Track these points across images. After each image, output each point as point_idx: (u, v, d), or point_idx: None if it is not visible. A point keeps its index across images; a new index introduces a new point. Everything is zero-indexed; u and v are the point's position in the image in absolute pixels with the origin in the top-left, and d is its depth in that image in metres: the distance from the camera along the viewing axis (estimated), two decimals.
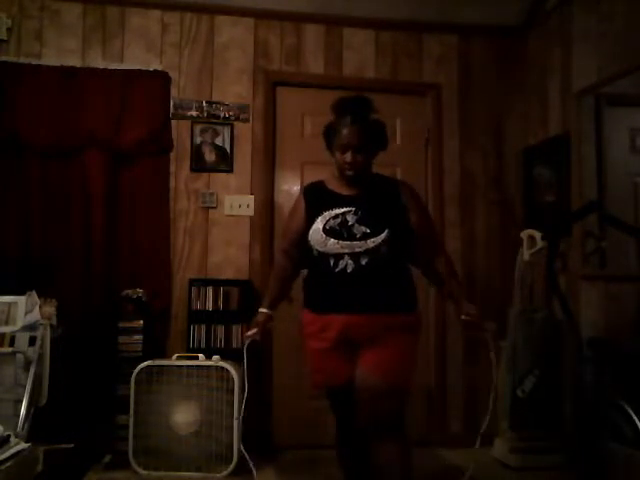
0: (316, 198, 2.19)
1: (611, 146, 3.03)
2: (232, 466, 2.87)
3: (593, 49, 3.06)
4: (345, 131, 2.09)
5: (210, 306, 3.26)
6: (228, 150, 3.48)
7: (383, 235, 2.05)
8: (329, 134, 2.18)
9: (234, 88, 3.51)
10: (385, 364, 2.04)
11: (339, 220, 2.08)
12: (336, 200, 2.14)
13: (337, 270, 2.05)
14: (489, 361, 2.19)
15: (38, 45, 3.34)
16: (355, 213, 2.08)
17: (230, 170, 3.48)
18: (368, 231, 2.05)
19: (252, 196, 3.47)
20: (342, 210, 2.09)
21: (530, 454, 3.06)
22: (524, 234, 3.14)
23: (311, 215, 2.14)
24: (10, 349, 2.67)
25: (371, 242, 2.04)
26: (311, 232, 2.11)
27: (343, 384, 2.09)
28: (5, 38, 3.30)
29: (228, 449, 2.88)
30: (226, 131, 3.48)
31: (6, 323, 2.74)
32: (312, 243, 2.11)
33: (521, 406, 3.07)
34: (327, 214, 2.10)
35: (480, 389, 3.47)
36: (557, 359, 3.13)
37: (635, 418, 2.43)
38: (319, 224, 2.10)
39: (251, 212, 3.47)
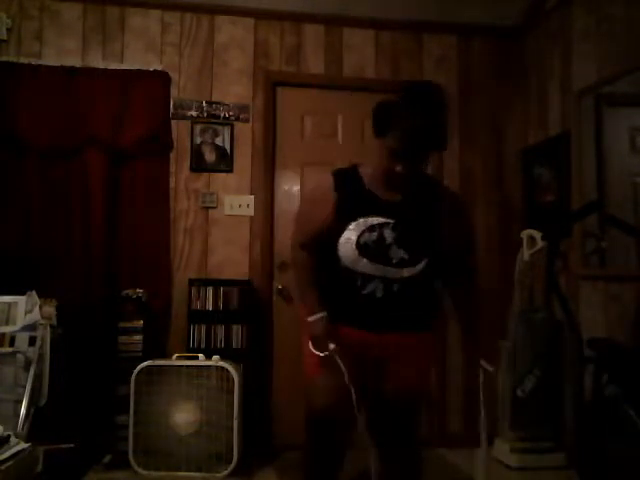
0: (350, 194, 1.89)
1: (611, 146, 3.03)
2: (232, 466, 2.86)
3: (593, 49, 3.06)
4: (408, 139, 1.75)
5: (210, 306, 3.25)
6: (228, 150, 3.48)
7: (421, 266, 1.85)
8: (383, 119, 1.82)
9: (234, 88, 3.51)
10: (411, 381, 1.97)
11: (375, 235, 1.83)
12: (374, 205, 1.86)
13: (365, 292, 1.85)
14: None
15: (38, 45, 3.34)
16: (394, 228, 1.83)
17: (230, 170, 3.48)
18: (406, 257, 1.83)
19: (252, 196, 3.47)
20: (380, 221, 1.84)
21: (530, 454, 3.06)
22: (524, 234, 3.14)
23: (342, 215, 1.86)
24: (10, 349, 2.67)
25: (407, 272, 1.84)
26: (342, 241, 1.85)
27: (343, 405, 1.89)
28: (5, 38, 3.30)
29: (228, 449, 2.88)
30: (226, 131, 3.47)
31: (6, 323, 2.74)
32: (341, 254, 1.86)
33: (521, 406, 3.07)
34: (362, 222, 1.84)
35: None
36: (557, 359, 3.13)
37: (635, 418, 2.43)
38: (352, 234, 1.84)
39: (251, 212, 3.47)
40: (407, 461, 2.07)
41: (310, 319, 1.91)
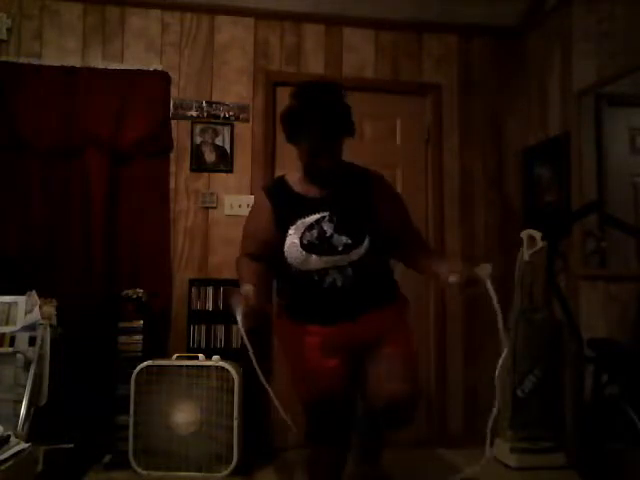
0: (283, 202, 2.01)
1: (611, 146, 3.03)
2: (232, 466, 2.87)
3: (593, 49, 3.06)
4: (315, 134, 1.88)
5: (210, 306, 3.26)
6: (228, 150, 3.48)
7: (365, 244, 1.94)
8: (290, 126, 1.95)
9: (234, 88, 3.51)
10: (399, 357, 1.97)
11: (315, 232, 1.93)
12: (306, 205, 1.97)
13: (326, 286, 1.94)
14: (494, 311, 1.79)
15: (38, 45, 3.34)
16: (330, 219, 1.94)
17: (230, 170, 3.48)
18: (349, 241, 1.93)
19: (252, 196, 3.47)
20: (316, 217, 1.94)
21: (530, 454, 3.06)
22: (524, 234, 3.14)
23: (281, 223, 1.97)
24: (10, 349, 2.67)
25: (354, 254, 1.93)
26: (287, 248, 1.94)
27: (339, 392, 2.00)
28: (5, 38, 3.30)
29: (228, 449, 2.88)
30: (226, 131, 3.47)
31: (6, 323, 2.74)
32: (290, 261, 1.95)
33: (521, 406, 3.07)
34: (300, 224, 1.94)
35: (480, 389, 3.47)
36: (557, 359, 3.13)
37: (635, 418, 2.43)
38: (294, 238, 1.93)
39: None
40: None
41: (241, 289, 1.91)
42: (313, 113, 1.87)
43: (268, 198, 2.04)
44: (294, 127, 1.94)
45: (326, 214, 1.94)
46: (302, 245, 1.92)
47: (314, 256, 1.92)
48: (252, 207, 2.17)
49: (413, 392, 1.97)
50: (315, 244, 1.92)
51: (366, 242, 1.94)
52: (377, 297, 2.03)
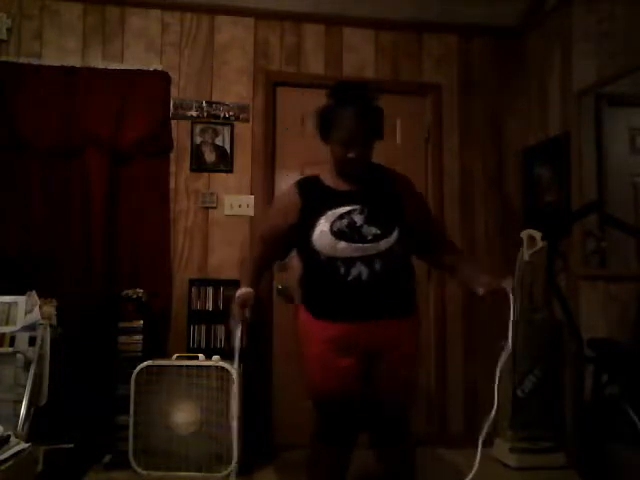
0: (314, 196, 2.05)
1: (611, 146, 3.03)
2: (232, 466, 2.86)
3: (593, 49, 3.06)
4: (350, 125, 1.95)
5: (210, 306, 3.26)
6: (228, 150, 3.48)
7: (394, 235, 1.98)
8: (325, 122, 2.02)
9: (234, 88, 3.51)
10: (404, 372, 2.05)
11: (346, 221, 1.97)
12: (336, 198, 2.01)
13: (350, 278, 1.94)
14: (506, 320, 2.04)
15: (38, 45, 3.34)
16: (361, 212, 1.98)
17: (230, 170, 3.48)
18: (379, 232, 1.96)
19: (252, 196, 3.47)
20: (347, 209, 1.98)
21: (530, 454, 3.06)
22: (524, 234, 3.14)
23: (310, 215, 2.00)
24: (10, 349, 2.67)
25: (383, 244, 1.96)
26: (316, 236, 1.97)
27: (352, 392, 2.01)
28: (5, 38, 3.30)
29: (228, 449, 2.88)
30: (226, 131, 3.48)
31: (6, 323, 2.74)
32: (319, 248, 1.97)
33: (521, 406, 3.07)
34: (331, 214, 1.97)
35: (480, 389, 3.47)
36: (557, 359, 3.13)
37: (635, 418, 2.43)
38: (324, 226, 1.96)
39: (251, 212, 3.47)
40: (400, 459, 2.11)
41: (238, 292, 2.10)
42: (348, 109, 1.95)
43: (298, 191, 2.09)
44: (329, 123, 2.00)
45: (357, 207, 1.99)
46: (332, 232, 1.96)
47: (343, 242, 1.95)
48: (281, 196, 2.24)
49: (409, 403, 2.12)
50: (345, 232, 1.95)
51: (395, 233, 1.98)
52: (397, 304, 2.04)
